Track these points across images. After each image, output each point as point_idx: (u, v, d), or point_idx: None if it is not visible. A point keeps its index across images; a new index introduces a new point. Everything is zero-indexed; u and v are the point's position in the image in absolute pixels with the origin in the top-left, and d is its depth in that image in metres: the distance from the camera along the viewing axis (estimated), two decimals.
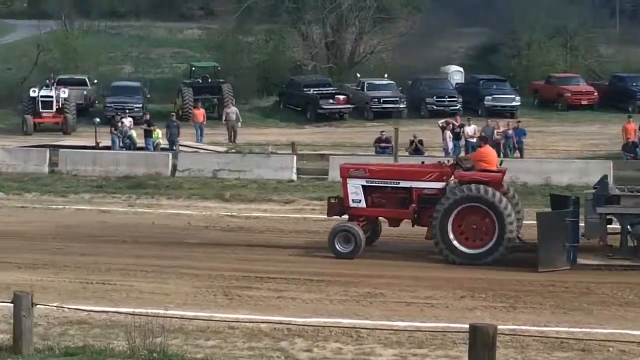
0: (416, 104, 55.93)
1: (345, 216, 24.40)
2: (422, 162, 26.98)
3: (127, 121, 43.34)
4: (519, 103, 55.60)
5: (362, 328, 16.69)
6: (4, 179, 35.38)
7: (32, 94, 50.26)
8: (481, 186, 22.70)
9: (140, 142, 42.32)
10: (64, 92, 50.89)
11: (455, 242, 22.75)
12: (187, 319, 16.89)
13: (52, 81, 51.88)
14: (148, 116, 45.55)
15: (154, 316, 14.83)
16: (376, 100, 55.26)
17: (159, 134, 42.36)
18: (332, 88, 57.10)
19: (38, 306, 14.59)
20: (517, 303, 19.12)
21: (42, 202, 31.89)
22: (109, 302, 18.79)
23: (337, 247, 23.36)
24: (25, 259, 22.56)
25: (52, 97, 50.15)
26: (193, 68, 59.12)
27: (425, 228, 23.61)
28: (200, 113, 47.66)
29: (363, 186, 24.15)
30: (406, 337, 16.20)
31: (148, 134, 42.25)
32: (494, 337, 11.21)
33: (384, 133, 40.89)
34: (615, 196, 22.98)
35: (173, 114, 46.60)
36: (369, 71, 61.96)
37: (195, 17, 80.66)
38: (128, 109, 49.31)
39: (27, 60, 65.79)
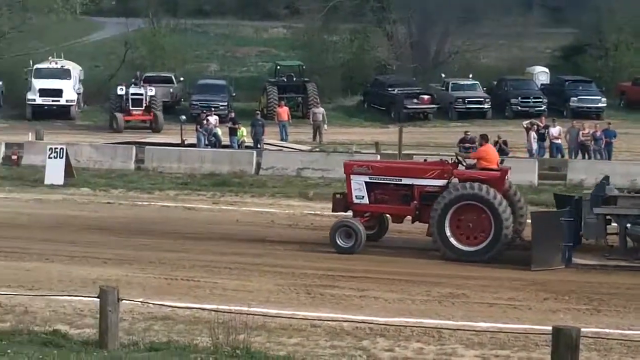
0: (501, 105, 55.58)
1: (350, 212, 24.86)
2: (425, 160, 27.44)
3: (213, 119, 43.69)
4: (604, 104, 55.05)
5: (444, 328, 16.63)
6: (91, 175, 35.93)
7: (119, 92, 50.87)
8: (477, 184, 22.98)
9: (225, 140, 42.64)
10: (151, 90, 51.49)
11: (452, 239, 23.05)
12: (269, 316, 16.95)
13: (139, 79, 52.47)
14: (233, 114, 45.86)
15: (237, 313, 14.95)
16: (460, 100, 55.09)
17: (243, 132, 42.63)
18: (416, 88, 56.99)
19: (123, 301, 14.80)
20: (600, 306, 18.91)
21: (128, 199, 32.30)
22: (193, 298, 18.95)
23: (338, 242, 23.75)
24: (112, 255, 22.87)
25: (142, 94, 50.72)
26: (278, 67, 59.42)
27: (427, 225, 23.84)
28: (284, 111, 47.89)
29: (366, 183, 24.63)
30: (488, 338, 16.13)
31: (233, 132, 42.55)
32: (577, 339, 11.13)
33: (468, 133, 40.68)
34: (612, 197, 23.21)
35: (258, 112, 46.88)
36: (453, 71, 61.69)
37: (280, 16, 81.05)
38: (213, 107, 49.70)
39: (115, 57, 66.74)
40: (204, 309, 16.89)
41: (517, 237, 23.83)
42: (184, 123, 43.92)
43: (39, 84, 53.73)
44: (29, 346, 14.34)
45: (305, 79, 57.10)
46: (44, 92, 53.55)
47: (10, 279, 20.13)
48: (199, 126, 42.83)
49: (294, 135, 47.42)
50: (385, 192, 24.65)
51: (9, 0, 63.31)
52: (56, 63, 56.16)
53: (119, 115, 49.82)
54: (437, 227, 23.09)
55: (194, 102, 53.58)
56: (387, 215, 25.20)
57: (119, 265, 21.92)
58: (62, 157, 34.73)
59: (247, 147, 41.53)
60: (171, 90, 57.14)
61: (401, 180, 24.43)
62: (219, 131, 42.81)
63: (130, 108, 50.46)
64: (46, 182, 34.37)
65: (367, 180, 24.62)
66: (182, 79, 59.82)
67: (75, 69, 57.25)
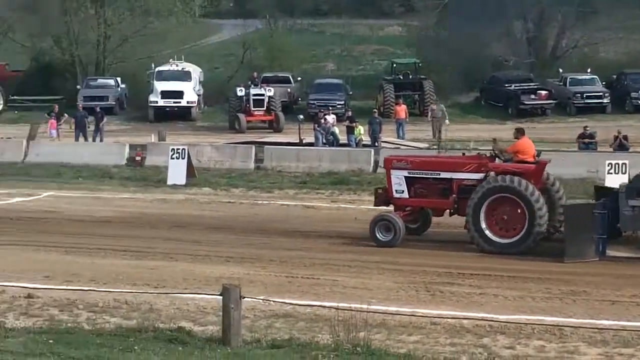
0: (621, 99, 54.66)
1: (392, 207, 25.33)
2: (463, 154, 27.74)
3: (330, 118, 43.98)
4: None
5: (566, 326, 16.51)
6: (212, 175, 36.52)
7: (238, 93, 51.46)
8: (509, 176, 23.20)
9: (343, 138, 42.87)
10: (270, 90, 51.99)
11: (487, 232, 23.33)
12: (389, 314, 17.02)
13: (257, 80, 53.03)
14: (350, 113, 46.08)
15: (357, 311, 15.10)
16: (579, 95, 54.39)
17: (361, 130, 42.81)
18: (533, 83, 56.45)
19: (245, 299, 15.07)
20: None
21: (248, 198, 32.75)
22: (314, 296, 19.14)
23: (377, 235, 24.20)
24: (233, 253, 23.22)
25: (263, 95, 51.23)
26: (394, 65, 59.45)
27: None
28: (401, 109, 47.95)
29: (406, 177, 25.01)
30: (611, 335, 15.93)
31: (350, 131, 42.76)
32: None
33: (587, 128, 40.17)
34: None
35: (375, 110, 47.01)
36: (571, 66, 60.85)
37: (395, 14, 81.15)
38: (331, 106, 49.97)
39: (233, 59, 67.65)
40: (324, 307, 17.01)
41: (556, 229, 23.88)
42: (301, 122, 44.29)
43: (160, 86, 54.77)
44: (154, 343, 14.70)
45: (422, 77, 57.04)
46: (165, 94, 54.56)
47: (135, 277, 20.64)
48: (316, 125, 43.16)
49: (410, 133, 47.44)
50: (425, 186, 25.00)
51: (131, 5, 64.66)
52: (177, 65, 57.20)
53: (241, 116, 50.34)
54: (473, 219, 23.38)
55: (312, 102, 54.02)
56: (428, 209, 25.49)
57: (241, 263, 22.25)
58: (184, 158, 35.41)
59: (364, 146, 41.69)
60: (289, 90, 57.66)
61: (439, 174, 24.79)
62: (336, 130, 43.08)
63: (252, 109, 50.96)
64: (169, 182, 35.08)
65: (407, 174, 25.02)
66: (299, 78, 60.30)
67: (195, 71, 58.19)
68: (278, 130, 50.37)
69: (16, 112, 58.20)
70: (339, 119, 46.31)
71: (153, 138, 43.51)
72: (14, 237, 25.28)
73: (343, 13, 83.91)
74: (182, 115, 54.87)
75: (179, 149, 35.78)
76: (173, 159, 35.49)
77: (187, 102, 55.07)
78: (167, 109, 54.56)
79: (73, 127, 44.67)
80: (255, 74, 54.31)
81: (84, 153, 39.86)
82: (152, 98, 54.65)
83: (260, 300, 17.31)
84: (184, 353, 14.06)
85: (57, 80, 63.27)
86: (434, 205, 25.09)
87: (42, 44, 66.37)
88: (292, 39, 70.67)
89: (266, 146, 39.72)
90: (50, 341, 14.55)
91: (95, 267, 21.70)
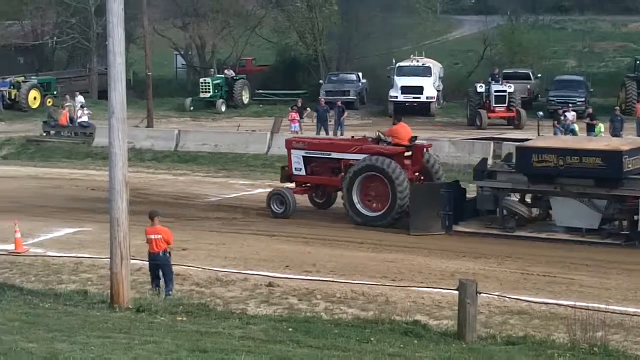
0: None
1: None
2: (352, 137, 30.97)
3: (570, 115, 43.29)
4: None
5: None
6: (446, 170, 36.57)
7: (478, 89, 51.30)
8: (375, 156, 26.42)
9: (582, 136, 42.15)
10: (510, 87, 51.60)
11: (358, 205, 26.54)
12: (627, 314, 16.81)
13: (498, 76, 52.74)
14: (590, 110, 45.23)
15: (594, 310, 14.97)
16: None
17: (601, 128, 41.97)
18: None
19: (481, 294, 15.20)
20: None
21: None
22: (549, 293, 19.08)
23: (273, 207, 27.82)
24: (467, 248, 23.38)
25: (505, 92, 50.90)
26: (637, 61, 57.81)
27: None
28: None
29: (303, 157, 28.58)
30: None
31: (590, 128, 41.98)
32: None
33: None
34: (493, 172, 25.94)
35: (617, 108, 45.94)
36: None
37: None
38: (571, 103, 49.13)
39: (473, 55, 67.51)
40: (560, 305, 16.96)
41: None
42: (540, 119, 43.81)
43: (401, 81, 55.23)
44: (390, 335, 15.02)
45: None
46: (405, 89, 54.97)
47: (373, 270, 21.11)
48: (555, 122, 42.58)
49: None
50: (319, 165, 28.44)
51: (379, 3, 65.40)
52: (417, 61, 57.52)
53: (482, 112, 50.14)
54: (347, 194, 26.60)
55: (551, 98, 53.25)
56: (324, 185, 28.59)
57: (476, 259, 22.38)
58: None
59: None
60: (528, 86, 57.07)
61: (331, 154, 28.10)
62: (576, 127, 42.37)
63: (493, 105, 50.67)
64: None
65: (304, 154, 28.55)
66: (539, 75, 59.59)
67: (435, 67, 58.38)
68: (519, 127, 49.89)
69: (261, 105, 60.02)
70: (579, 116, 45.44)
71: None
72: (258, 227, 26.23)
73: (586, 9, 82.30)
74: (421, 110, 55.13)
75: None
76: None
77: (427, 98, 55.30)
78: (407, 104, 54.94)
79: (315, 120, 45.69)
80: (496, 70, 54.02)
81: None
82: (392, 93, 55.17)
83: (496, 296, 17.41)
84: (419, 346, 14.31)
85: (300, 75, 64.91)
86: (327, 182, 28.31)
87: (287, 40, 68.18)
88: (533, 35, 69.76)
89: (504, 142, 39.42)
90: (290, 329, 15.07)
91: (334, 258, 22.27)
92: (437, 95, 56.86)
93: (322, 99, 48.91)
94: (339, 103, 46.73)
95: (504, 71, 55.95)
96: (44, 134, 46.48)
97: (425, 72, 56.30)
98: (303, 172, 28.57)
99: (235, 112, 56.99)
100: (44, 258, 21.99)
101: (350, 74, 60.49)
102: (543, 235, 24.53)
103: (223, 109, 57.78)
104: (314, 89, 58.07)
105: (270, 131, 43.00)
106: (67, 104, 48.04)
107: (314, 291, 19.21)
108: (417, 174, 27.15)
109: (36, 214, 27.98)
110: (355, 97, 57.93)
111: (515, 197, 25.94)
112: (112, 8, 17.03)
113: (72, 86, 59.68)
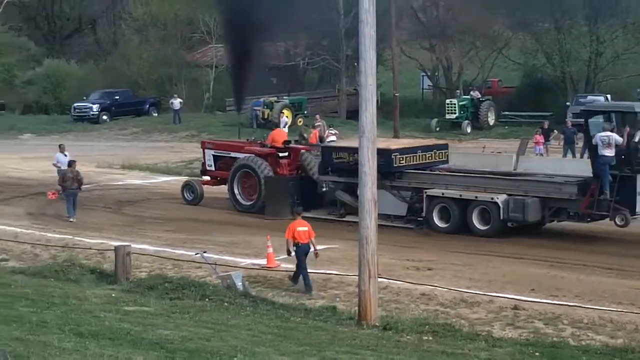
0: None
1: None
2: (247, 140, 36.11)
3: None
4: None
5: None
6: None
7: None
8: (247, 155, 32.71)
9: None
10: None
11: (238, 196, 32.56)
12: None
13: None
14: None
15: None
16: None
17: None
18: None
19: None
20: None
21: None
22: None
23: (184, 195, 34.27)
24: None
25: None
26: None
27: None
28: None
29: (213, 155, 34.74)
30: None
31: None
32: None
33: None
34: (336, 168, 30.46)
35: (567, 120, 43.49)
36: None
37: None
38: None
39: None
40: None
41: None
42: None
43: None
44: None
45: None
46: None
47: (620, 296, 20.65)
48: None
49: None
50: (224, 163, 34.21)
51: (623, 22, 63.97)
52: None
53: None
54: (230, 186, 32.59)
55: None
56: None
57: None
58: None
59: None
60: None
61: (230, 154, 34.12)
62: None
63: None
64: None
65: (214, 153, 34.74)
66: None
67: None
68: None
69: (506, 127, 59.65)
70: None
71: None
72: (505, 249, 26.04)
73: None
74: None
75: None
76: None
77: None
78: None
79: (561, 142, 45.09)
80: None
81: (566, 168, 40.08)
82: None
83: None
84: None
85: (546, 97, 64.18)
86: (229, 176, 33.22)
87: (534, 61, 67.61)
88: None
89: None
90: (537, 354, 15.03)
91: (581, 283, 21.98)
92: None
93: (569, 121, 48.21)
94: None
95: None
96: None
97: None
98: (213, 168, 34.64)
99: (480, 134, 56.88)
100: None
101: (599, 95, 59.31)
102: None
103: (468, 130, 57.85)
104: (561, 111, 57.27)
105: (516, 153, 42.67)
106: (318, 123, 49.29)
107: (560, 316, 19.02)
108: (294, 170, 32.37)
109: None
110: None
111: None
112: (365, 31, 17.56)
113: (322, 106, 61.26)
